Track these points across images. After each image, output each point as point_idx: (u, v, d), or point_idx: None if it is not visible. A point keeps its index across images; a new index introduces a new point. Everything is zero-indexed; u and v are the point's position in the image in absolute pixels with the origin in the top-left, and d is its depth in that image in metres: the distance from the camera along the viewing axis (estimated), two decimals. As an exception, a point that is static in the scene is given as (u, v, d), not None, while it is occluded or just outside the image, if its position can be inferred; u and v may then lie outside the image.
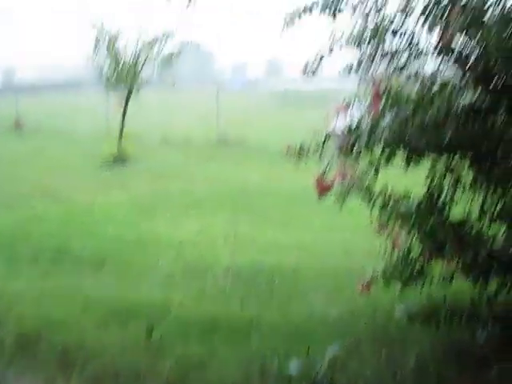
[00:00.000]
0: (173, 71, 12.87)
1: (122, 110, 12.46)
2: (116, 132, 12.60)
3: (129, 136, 12.42)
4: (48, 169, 10.98)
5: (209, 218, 7.30)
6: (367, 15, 3.24)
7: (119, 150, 11.67)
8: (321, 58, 3.37)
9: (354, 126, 3.17)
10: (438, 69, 3.29)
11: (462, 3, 3.06)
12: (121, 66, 12.14)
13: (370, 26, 3.23)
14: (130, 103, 12.48)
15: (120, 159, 11.53)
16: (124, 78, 12.07)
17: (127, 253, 5.82)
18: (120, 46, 12.21)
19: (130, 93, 12.34)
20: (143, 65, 12.32)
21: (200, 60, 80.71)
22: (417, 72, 3.32)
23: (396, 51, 3.26)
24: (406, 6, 3.12)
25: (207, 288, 4.86)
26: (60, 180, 9.93)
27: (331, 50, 3.30)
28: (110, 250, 5.91)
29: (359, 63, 3.38)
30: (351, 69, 3.47)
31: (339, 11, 3.28)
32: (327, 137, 3.24)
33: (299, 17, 3.36)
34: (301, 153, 3.31)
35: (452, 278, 3.49)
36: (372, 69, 3.43)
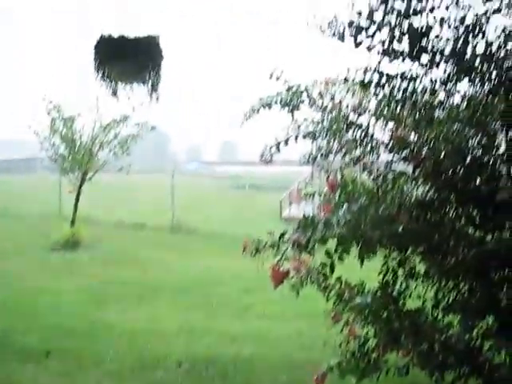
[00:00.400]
0: (129, 154, 12.89)
1: (75, 192, 12.37)
2: (69, 215, 12.45)
3: (82, 219, 12.30)
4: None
5: (162, 307, 7.17)
6: (324, 111, 3.41)
7: (71, 233, 11.50)
8: (277, 148, 3.50)
9: (308, 220, 3.25)
10: (392, 161, 3.44)
11: (412, 101, 3.26)
12: (76, 148, 12.16)
13: (326, 121, 3.41)
14: (84, 185, 12.42)
15: (72, 243, 11.33)
16: (79, 160, 12.07)
17: (75, 343, 5.62)
18: (76, 128, 12.27)
19: (84, 175, 12.30)
20: (99, 148, 12.37)
21: (156, 141, 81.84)
22: (371, 164, 3.47)
23: (351, 145, 3.41)
24: (358, 107, 3.31)
25: (159, 381, 4.73)
26: (6, 264, 9.65)
27: (287, 142, 3.44)
28: (56, 340, 5.70)
29: (315, 155, 3.52)
30: (308, 159, 3.61)
31: (297, 109, 3.45)
32: (282, 234, 3.32)
33: (258, 112, 3.52)
34: (257, 248, 3.37)
35: (408, 370, 3.51)
36: (328, 160, 3.58)
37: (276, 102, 3.46)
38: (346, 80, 3.46)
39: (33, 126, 12.14)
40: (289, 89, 3.46)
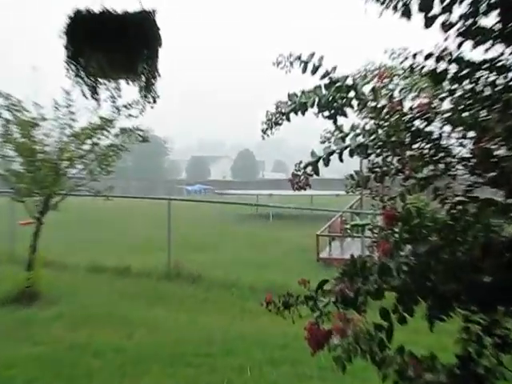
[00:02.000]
0: (110, 172, 12.72)
1: (34, 224, 12.25)
2: (25, 255, 12.45)
3: (43, 261, 12.32)
4: None
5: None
6: (378, 116, 3.39)
7: (28, 282, 11.53)
8: (315, 169, 3.45)
9: (357, 264, 3.22)
10: (475, 185, 3.41)
11: (504, 101, 3.24)
12: (38, 163, 12.07)
13: (382, 129, 3.38)
14: (48, 214, 12.32)
15: (28, 296, 11.36)
16: (41, 180, 11.96)
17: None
18: (38, 136, 12.15)
19: (47, 201, 12.16)
20: (70, 164, 12.25)
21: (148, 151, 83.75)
22: (445, 188, 3.43)
23: (417, 162, 3.38)
24: (427, 109, 3.30)
25: None
26: None
27: (328, 162, 3.38)
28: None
29: (366, 177, 3.49)
30: (358, 183, 3.57)
31: (341, 113, 3.40)
32: (322, 283, 3.27)
33: (287, 118, 3.49)
34: (286, 302, 3.32)
35: None
36: (384, 183, 3.55)
37: (312, 105, 3.39)
38: (411, 69, 3.41)
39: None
40: (331, 83, 3.41)
